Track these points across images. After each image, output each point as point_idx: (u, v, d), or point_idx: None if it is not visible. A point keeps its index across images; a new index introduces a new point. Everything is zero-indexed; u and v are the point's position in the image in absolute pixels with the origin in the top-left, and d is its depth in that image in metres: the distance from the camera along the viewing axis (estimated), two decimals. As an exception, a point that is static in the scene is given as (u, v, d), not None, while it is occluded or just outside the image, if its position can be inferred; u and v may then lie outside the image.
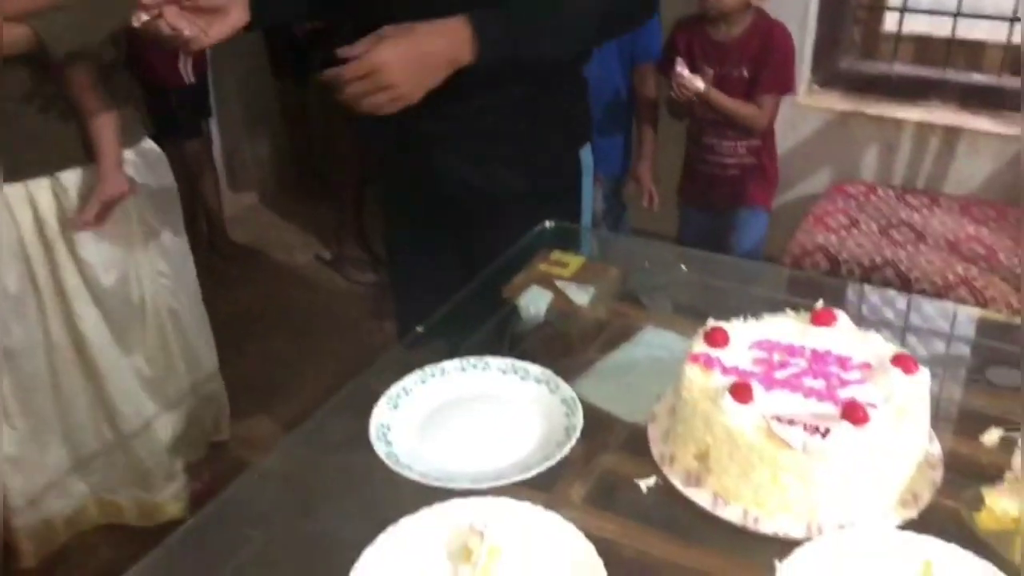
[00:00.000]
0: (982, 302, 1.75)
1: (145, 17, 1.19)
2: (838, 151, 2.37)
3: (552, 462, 0.87)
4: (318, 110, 3.15)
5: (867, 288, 1.53)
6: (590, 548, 0.77)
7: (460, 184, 1.38)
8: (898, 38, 2.39)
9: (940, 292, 1.80)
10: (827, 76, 2.35)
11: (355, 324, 2.74)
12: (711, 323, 0.93)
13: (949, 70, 2.32)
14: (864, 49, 2.42)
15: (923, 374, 0.87)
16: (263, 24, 1.32)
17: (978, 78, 2.30)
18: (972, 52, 2.31)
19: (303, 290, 2.93)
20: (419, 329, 1.13)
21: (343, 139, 2.78)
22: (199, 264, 1.99)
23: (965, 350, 1.10)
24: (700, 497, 0.85)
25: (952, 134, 2.24)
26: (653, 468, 0.90)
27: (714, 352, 0.90)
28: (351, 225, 2.99)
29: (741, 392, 0.84)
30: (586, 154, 1.47)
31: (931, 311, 1.29)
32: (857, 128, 2.34)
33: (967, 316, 1.28)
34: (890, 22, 2.41)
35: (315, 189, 3.36)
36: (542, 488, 0.86)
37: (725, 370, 0.88)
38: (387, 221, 1.60)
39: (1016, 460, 0.84)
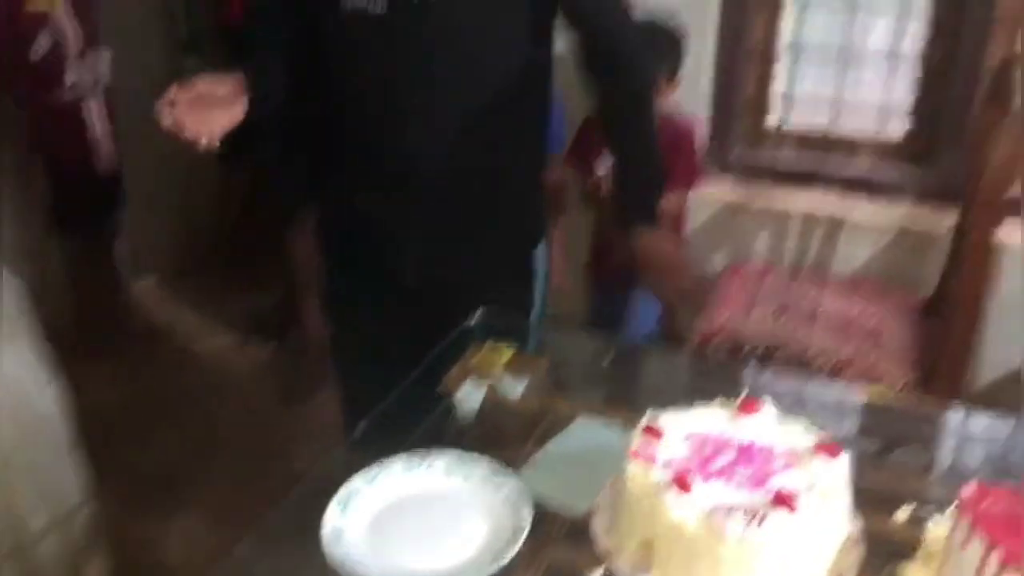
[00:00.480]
0: (874, 378, 1.88)
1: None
2: (732, 236, 2.52)
3: (504, 562, 0.90)
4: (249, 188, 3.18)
5: (779, 372, 1.65)
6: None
7: (418, 274, 1.45)
8: (782, 131, 2.58)
9: (835, 369, 1.93)
10: (719, 166, 2.51)
11: (265, 410, 2.71)
12: (646, 419, 0.99)
13: (829, 162, 2.51)
14: (751, 141, 2.60)
15: (843, 459, 0.94)
16: (262, 113, 1.35)
17: (855, 169, 2.49)
18: (849, 145, 2.51)
19: (211, 376, 2.87)
20: (361, 425, 1.15)
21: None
22: (104, 352, 1.94)
23: (872, 431, 1.19)
24: (646, 587, 0.90)
25: (836, 219, 2.41)
26: (598, 560, 0.94)
27: (652, 447, 0.96)
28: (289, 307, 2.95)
29: (682, 486, 0.89)
30: (541, 250, 1.56)
31: (839, 393, 1.40)
32: (749, 214, 2.50)
33: (869, 397, 1.39)
34: (774, 118, 2.60)
35: (230, 271, 3.33)
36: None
37: (664, 466, 0.93)
38: (333, 311, 1.63)
39: (927, 534, 0.93)
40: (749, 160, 2.57)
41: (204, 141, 1.26)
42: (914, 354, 1.98)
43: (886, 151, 2.49)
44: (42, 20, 2.57)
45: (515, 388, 1.24)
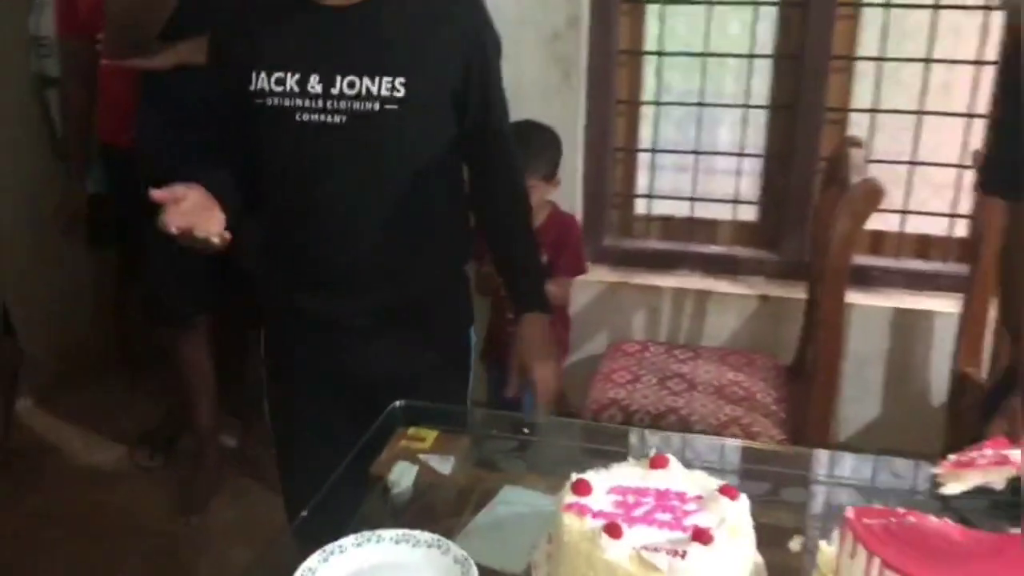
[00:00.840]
0: (751, 435, 2.07)
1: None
2: (612, 316, 2.72)
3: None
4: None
5: (674, 434, 1.81)
6: None
7: (362, 366, 1.57)
8: (649, 219, 2.83)
9: (716, 431, 2.11)
10: (595, 253, 2.73)
11: (160, 520, 2.65)
12: (575, 476, 1.11)
13: (691, 244, 2.76)
14: (622, 229, 2.84)
15: (743, 499, 1.09)
16: (237, 224, 1.44)
17: (715, 249, 2.76)
18: (709, 228, 2.78)
19: (102, 490, 2.79)
20: (303, 514, 1.21)
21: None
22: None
23: (762, 477, 1.36)
24: (588, 627, 1.00)
25: (702, 296, 2.65)
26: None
27: (582, 500, 1.08)
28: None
29: (613, 531, 1.01)
30: (472, 330, 1.70)
31: (724, 448, 1.57)
32: (625, 295, 2.71)
33: (752, 449, 1.57)
34: (640, 206, 2.85)
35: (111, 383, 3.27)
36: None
37: (594, 515, 1.05)
38: (276, 409, 1.68)
39: (821, 556, 1.08)
40: (622, 246, 2.81)
41: (216, 241, 1.37)
42: (783, 413, 2.19)
43: (742, 232, 2.77)
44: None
45: (445, 465, 1.34)
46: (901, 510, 1.05)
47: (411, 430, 1.41)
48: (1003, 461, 1.19)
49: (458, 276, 1.72)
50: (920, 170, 2.60)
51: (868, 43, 2.54)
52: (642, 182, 2.82)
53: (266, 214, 1.59)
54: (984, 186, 1.52)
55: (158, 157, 2.37)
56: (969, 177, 2.51)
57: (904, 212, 2.62)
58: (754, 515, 1.08)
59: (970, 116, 2.51)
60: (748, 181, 2.73)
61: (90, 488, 2.79)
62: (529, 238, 1.72)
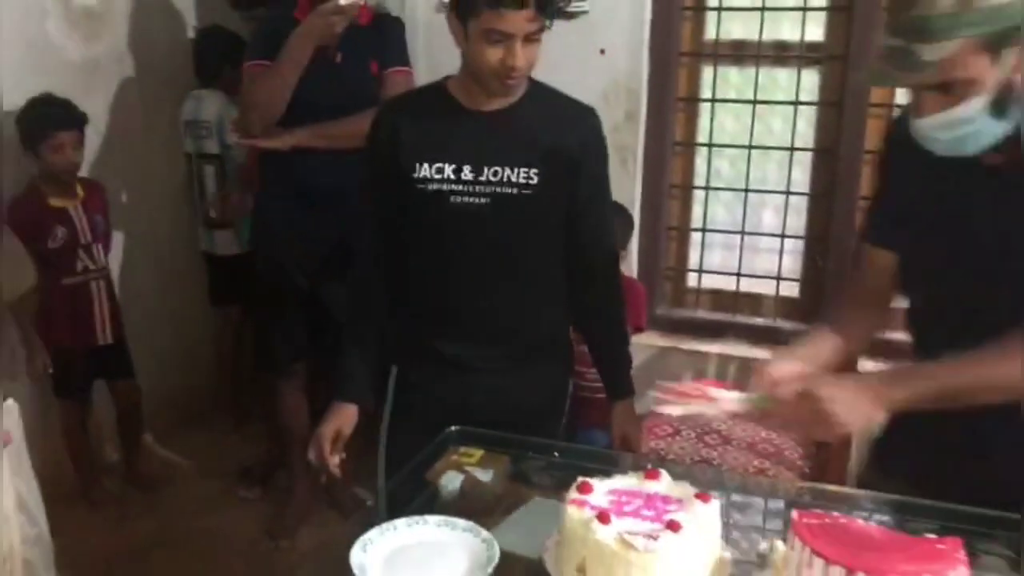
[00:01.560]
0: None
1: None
2: (661, 377, 2.96)
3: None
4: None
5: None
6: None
7: (484, 403, 1.92)
8: (699, 291, 3.12)
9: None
10: (649, 321, 3.02)
11: (255, 543, 3.00)
12: (580, 479, 1.41)
13: (738, 315, 3.03)
14: (674, 300, 3.13)
15: (715, 503, 1.36)
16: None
17: (759, 321, 3.01)
18: (754, 302, 3.05)
19: (207, 516, 3.16)
20: (368, 503, 1.54)
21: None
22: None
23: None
24: (582, 594, 1.29)
25: (745, 363, 2.90)
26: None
27: (584, 497, 1.37)
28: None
29: (603, 518, 1.30)
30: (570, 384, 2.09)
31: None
32: (674, 359, 2.98)
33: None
34: (692, 279, 3.14)
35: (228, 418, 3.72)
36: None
37: (592, 508, 1.34)
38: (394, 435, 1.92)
39: (775, 553, 1.33)
40: (673, 315, 3.09)
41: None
42: (807, 468, 2.42)
43: (784, 306, 3.02)
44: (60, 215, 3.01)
45: (486, 476, 1.65)
46: (837, 514, 1.31)
47: (462, 448, 1.73)
48: (709, 398, 1.52)
49: (565, 333, 2.07)
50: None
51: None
52: (694, 258, 3.11)
53: (408, 277, 1.95)
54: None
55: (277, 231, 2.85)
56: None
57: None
58: (740, 526, 1.35)
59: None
60: (790, 260, 2.99)
61: (197, 515, 3.17)
62: (623, 331, 2.08)
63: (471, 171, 1.82)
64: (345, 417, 1.93)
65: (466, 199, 1.83)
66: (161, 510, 3.21)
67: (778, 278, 3.00)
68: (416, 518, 1.45)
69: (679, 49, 2.94)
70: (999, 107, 1.28)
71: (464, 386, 1.94)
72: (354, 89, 2.73)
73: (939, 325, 1.51)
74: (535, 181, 1.83)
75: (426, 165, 1.83)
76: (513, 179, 1.82)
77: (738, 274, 3.01)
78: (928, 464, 1.51)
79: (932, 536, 1.28)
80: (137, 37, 3.48)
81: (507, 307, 1.92)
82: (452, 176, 1.82)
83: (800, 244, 2.98)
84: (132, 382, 3.30)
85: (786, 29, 2.85)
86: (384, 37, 2.83)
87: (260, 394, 3.39)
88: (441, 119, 1.85)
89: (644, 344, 2.95)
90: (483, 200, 1.83)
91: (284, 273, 2.95)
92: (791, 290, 3.01)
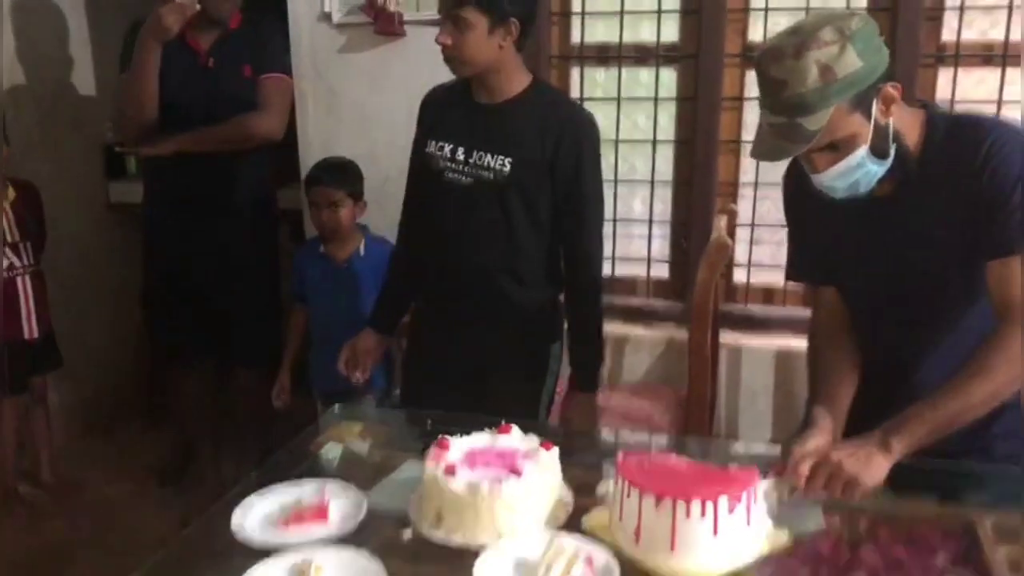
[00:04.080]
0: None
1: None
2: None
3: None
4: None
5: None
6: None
7: (469, 355, 2.27)
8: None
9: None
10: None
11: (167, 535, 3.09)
12: (439, 438, 1.60)
13: (615, 297, 3.24)
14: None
15: (555, 451, 1.57)
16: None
17: (634, 301, 3.24)
18: (628, 284, 3.28)
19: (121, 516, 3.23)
20: (253, 473, 1.70)
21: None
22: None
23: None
24: (437, 536, 1.48)
25: (620, 340, 3.13)
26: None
27: (441, 454, 1.56)
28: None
29: (450, 471, 1.50)
30: (557, 348, 2.35)
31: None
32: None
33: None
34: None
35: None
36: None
37: (447, 463, 1.54)
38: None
39: (605, 490, 1.54)
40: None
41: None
42: (673, 430, 2.66)
43: (656, 287, 3.26)
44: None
45: (362, 447, 1.83)
46: (656, 453, 1.53)
47: (344, 423, 1.91)
48: None
49: (552, 301, 2.30)
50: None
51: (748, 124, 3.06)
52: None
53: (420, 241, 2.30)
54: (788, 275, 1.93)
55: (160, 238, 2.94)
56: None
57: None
58: (585, 474, 1.56)
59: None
60: (659, 244, 3.23)
61: (115, 514, 3.24)
62: (596, 324, 2.30)
63: (463, 153, 2.14)
64: (362, 338, 2.32)
65: (455, 176, 2.15)
66: (78, 511, 3.25)
67: (648, 260, 3.23)
68: (293, 481, 1.62)
69: (549, 52, 3.14)
70: (878, 151, 1.54)
71: (454, 337, 2.27)
72: (227, 93, 2.83)
73: (874, 337, 1.74)
74: (507, 169, 2.10)
75: (433, 142, 2.19)
76: (491, 164, 2.11)
77: (612, 258, 3.23)
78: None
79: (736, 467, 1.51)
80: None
81: (490, 271, 2.19)
82: (448, 155, 2.15)
83: (668, 229, 3.22)
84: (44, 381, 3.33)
85: (645, 31, 3.09)
86: (260, 40, 2.92)
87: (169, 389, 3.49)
88: (455, 107, 2.19)
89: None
90: (467, 180, 2.14)
91: (172, 279, 3.08)
92: (662, 271, 3.25)
